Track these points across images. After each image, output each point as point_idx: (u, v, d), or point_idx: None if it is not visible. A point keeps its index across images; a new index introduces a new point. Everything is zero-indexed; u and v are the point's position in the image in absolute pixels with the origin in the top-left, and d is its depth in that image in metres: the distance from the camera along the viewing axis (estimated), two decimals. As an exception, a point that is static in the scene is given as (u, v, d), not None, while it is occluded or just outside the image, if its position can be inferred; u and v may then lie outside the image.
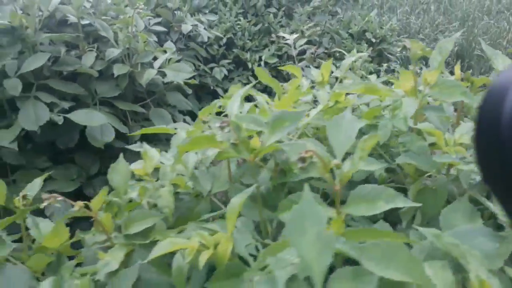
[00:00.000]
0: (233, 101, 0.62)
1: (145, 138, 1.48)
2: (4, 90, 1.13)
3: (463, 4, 2.90)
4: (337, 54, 1.91)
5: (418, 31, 2.84)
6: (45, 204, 0.53)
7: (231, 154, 0.49)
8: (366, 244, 0.34)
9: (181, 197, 0.65)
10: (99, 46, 1.34)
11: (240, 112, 0.61)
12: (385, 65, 2.16)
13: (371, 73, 1.96)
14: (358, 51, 1.94)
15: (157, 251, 0.40)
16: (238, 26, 2.43)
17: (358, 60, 1.36)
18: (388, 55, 2.32)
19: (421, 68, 0.69)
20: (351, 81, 0.72)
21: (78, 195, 1.32)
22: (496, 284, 0.32)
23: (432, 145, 0.55)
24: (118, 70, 1.28)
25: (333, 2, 2.02)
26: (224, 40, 2.32)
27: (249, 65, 2.35)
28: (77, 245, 0.67)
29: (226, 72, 2.28)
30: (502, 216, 0.43)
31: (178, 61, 1.40)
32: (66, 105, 1.19)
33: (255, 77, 2.44)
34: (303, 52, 1.93)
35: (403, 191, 0.52)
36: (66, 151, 1.33)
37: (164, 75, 1.40)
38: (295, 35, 1.72)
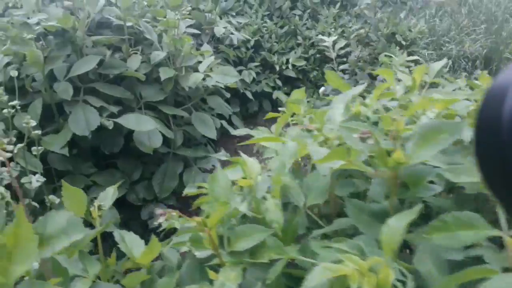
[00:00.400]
0: (336, 108, 0.59)
1: (184, 143, 1.45)
2: (54, 94, 1.09)
3: (489, 6, 2.86)
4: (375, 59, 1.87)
5: (443, 33, 2.80)
6: (160, 221, 0.50)
7: (361, 167, 0.45)
8: None
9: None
10: (142, 49, 1.31)
11: (344, 120, 0.57)
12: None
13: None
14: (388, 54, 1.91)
15: (314, 278, 0.37)
16: (265, 28, 2.40)
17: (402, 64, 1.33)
18: (419, 58, 2.28)
19: None
20: (447, 87, 0.69)
21: (120, 201, 1.29)
22: None
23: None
24: (165, 73, 1.24)
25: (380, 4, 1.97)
26: (252, 42, 2.29)
27: (277, 67, 2.32)
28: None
29: (254, 75, 2.25)
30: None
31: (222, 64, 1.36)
32: (114, 109, 1.16)
33: (282, 80, 2.41)
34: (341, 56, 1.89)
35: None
36: (107, 156, 1.30)
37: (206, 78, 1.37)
38: (333, 38, 1.69)
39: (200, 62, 1.36)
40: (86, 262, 0.57)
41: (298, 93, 0.93)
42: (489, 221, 0.37)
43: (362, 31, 1.73)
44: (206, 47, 1.58)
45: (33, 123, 0.90)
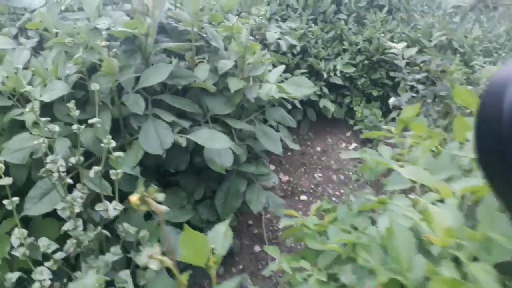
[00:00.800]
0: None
1: (249, 158, 1.33)
2: (122, 108, 0.99)
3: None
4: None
5: (494, 40, 2.65)
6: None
7: None
8: None
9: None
10: (208, 57, 1.20)
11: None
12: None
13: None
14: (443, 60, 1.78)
15: None
16: (311, 33, 2.28)
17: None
18: (475, 65, 2.15)
19: None
20: None
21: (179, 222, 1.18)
22: None
23: None
24: (234, 85, 1.13)
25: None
26: (298, 48, 2.18)
27: (324, 74, 2.20)
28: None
29: (301, 83, 2.13)
30: None
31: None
32: (186, 124, 1.05)
33: (328, 87, 2.27)
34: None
35: None
36: (168, 173, 1.19)
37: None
38: (402, 44, 1.56)
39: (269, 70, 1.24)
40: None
41: (412, 110, 0.81)
42: None
43: (443, 38, 1.60)
44: (268, 55, 1.46)
45: (113, 143, 0.79)
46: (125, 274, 0.78)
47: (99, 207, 0.81)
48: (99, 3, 1.08)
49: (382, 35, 2.27)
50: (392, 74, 2.29)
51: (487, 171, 0.25)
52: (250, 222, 1.70)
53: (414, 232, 0.45)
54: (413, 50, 1.62)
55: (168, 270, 0.54)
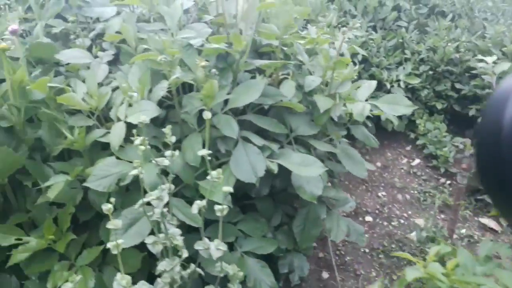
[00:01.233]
0: None
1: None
2: (213, 130, 0.91)
3: None
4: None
5: None
6: None
7: None
8: None
9: None
10: (292, 72, 1.11)
11: None
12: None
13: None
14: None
15: None
16: (371, 41, 2.16)
17: None
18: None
19: None
20: None
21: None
22: None
23: None
24: (323, 104, 1.03)
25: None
26: (360, 57, 2.06)
27: (387, 85, 2.07)
28: None
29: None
30: None
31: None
32: (275, 147, 0.96)
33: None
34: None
35: None
36: (244, 196, 1.10)
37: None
38: (493, 58, 1.43)
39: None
40: None
41: None
42: None
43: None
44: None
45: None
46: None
47: (198, 245, 0.73)
48: (182, 13, 1.01)
49: (449, 44, 2.12)
50: (457, 86, 2.15)
51: (488, 185, 0.25)
52: (314, 244, 1.60)
53: None
54: (505, 65, 1.47)
55: None
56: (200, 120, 0.93)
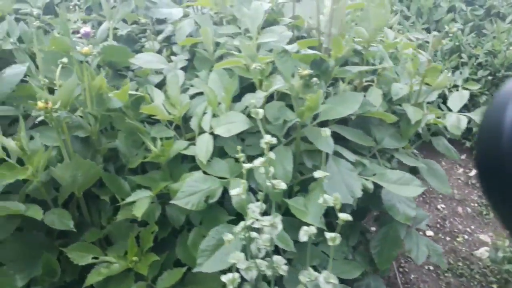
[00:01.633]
0: None
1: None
2: (302, 143, 0.83)
3: None
4: None
5: None
6: None
7: None
8: None
9: None
10: (377, 79, 1.02)
11: None
12: None
13: None
14: None
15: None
16: (427, 44, 2.05)
17: None
18: None
19: None
20: None
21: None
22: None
23: None
24: (414, 114, 0.94)
25: None
26: (416, 61, 1.95)
27: (445, 91, 1.96)
28: None
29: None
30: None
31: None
32: (367, 162, 0.87)
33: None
34: None
35: None
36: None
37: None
38: None
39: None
40: None
41: None
42: None
43: None
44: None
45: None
46: None
47: (304, 276, 0.65)
48: (264, 16, 0.93)
49: (510, 48, 2.00)
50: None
51: (487, 189, 0.25)
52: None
53: None
54: None
55: None
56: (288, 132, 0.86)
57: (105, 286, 0.81)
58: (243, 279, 0.67)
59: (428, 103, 1.06)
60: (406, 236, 1.10)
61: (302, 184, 0.89)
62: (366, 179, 0.84)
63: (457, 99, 1.03)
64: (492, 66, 2.03)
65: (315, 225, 0.79)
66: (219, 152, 0.85)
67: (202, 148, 0.79)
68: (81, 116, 0.84)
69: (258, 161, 0.64)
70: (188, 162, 0.88)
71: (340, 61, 0.82)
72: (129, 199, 0.78)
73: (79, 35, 0.94)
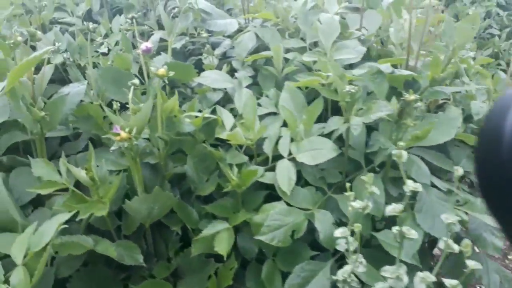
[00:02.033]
0: None
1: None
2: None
3: None
4: None
5: None
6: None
7: None
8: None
9: None
10: (453, 97, 0.96)
11: None
12: None
13: None
14: None
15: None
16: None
17: None
18: None
19: None
20: None
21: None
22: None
23: None
24: (497, 135, 0.87)
25: None
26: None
27: (487, 101, 1.89)
28: None
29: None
30: None
31: None
32: (457, 191, 0.81)
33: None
34: None
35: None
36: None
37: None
38: None
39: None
40: None
41: None
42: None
43: None
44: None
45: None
46: None
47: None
48: (339, 30, 0.87)
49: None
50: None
51: (486, 196, 0.25)
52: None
53: None
54: None
55: None
56: (367, 157, 0.79)
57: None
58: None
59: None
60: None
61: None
62: (458, 209, 0.78)
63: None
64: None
65: (408, 261, 0.73)
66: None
67: (284, 176, 0.73)
68: (147, 139, 0.78)
69: (391, 208, 0.57)
70: (259, 188, 0.82)
71: (437, 82, 0.76)
72: (206, 232, 0.71)
73: (138, 50, 0.88)
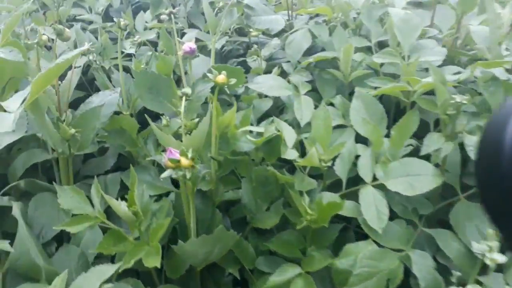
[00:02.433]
0: None
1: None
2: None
3: None
4: None
5: None
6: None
7: None
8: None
9: None
10: None
11: None
12: None
13: None
14: None
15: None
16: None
17: None
18: None
19: None
20: None
21: None
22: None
23: None
24: None
25: None
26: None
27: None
28: None
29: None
30: None
31: None
32: None
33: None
34: None
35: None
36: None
37: None
38: None
39: None
40: None
41: None
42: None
43: None
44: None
45: None
46: None
47: None
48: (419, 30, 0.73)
49: None
50: None
51: (487, 206, 0.24)
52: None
53: None
54: None
55: None
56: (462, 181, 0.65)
57: None
58: None
59: None
60: None
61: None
62: None
63: None
64: None
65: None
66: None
67: (371, 208, 0.58)
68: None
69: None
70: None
71: None
72: (276, 278, 0.57)
73: (179, 52, 0.74)
